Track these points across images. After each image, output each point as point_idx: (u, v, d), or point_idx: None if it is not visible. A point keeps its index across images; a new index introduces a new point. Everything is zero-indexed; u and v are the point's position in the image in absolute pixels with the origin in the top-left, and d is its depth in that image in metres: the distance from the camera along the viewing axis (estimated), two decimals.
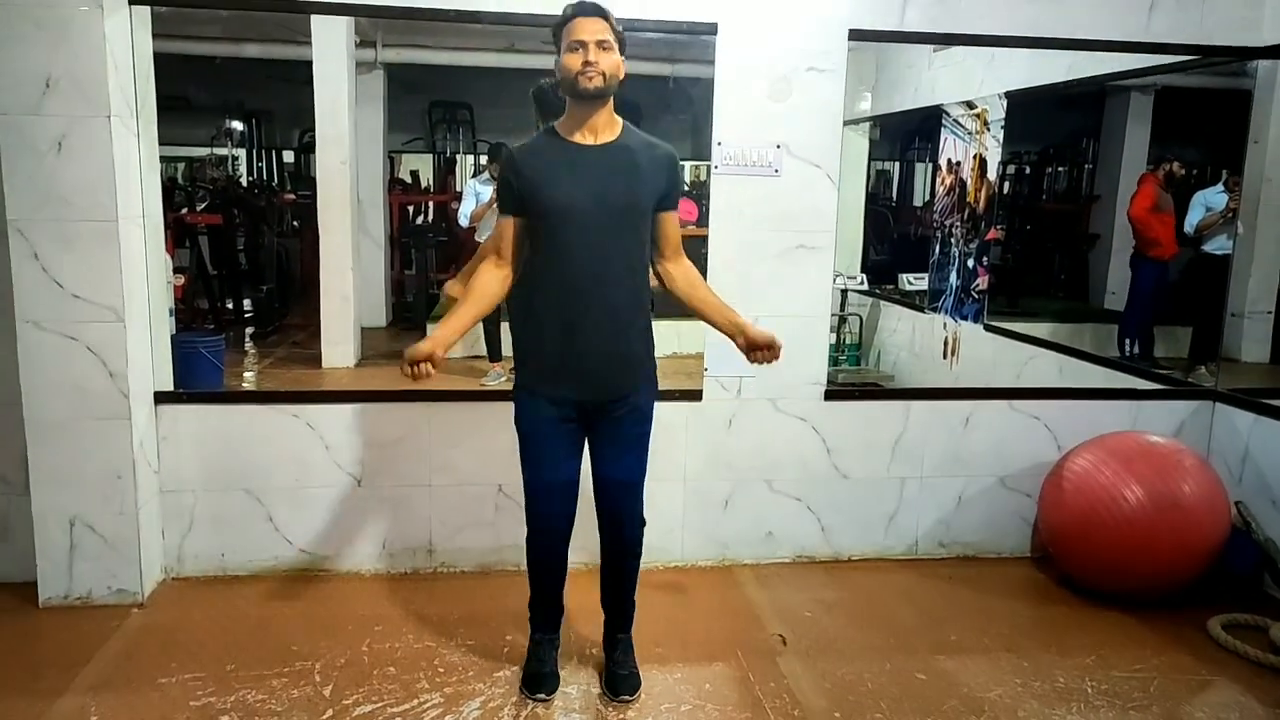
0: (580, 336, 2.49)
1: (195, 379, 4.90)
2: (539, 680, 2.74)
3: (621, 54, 2.47)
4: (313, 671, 2.84)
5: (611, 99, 2.48)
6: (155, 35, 3.26)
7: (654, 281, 2.65)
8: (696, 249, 3.52)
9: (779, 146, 3.44)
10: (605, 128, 2.49)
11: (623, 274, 2.48)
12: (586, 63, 2.40)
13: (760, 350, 2.54)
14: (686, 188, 8.55)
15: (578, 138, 2.48)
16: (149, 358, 3.30)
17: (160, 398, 3.35)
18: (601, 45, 2.41)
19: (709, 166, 3.49)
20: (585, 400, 2.54)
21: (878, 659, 3.01)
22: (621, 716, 2.66)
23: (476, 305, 2.54)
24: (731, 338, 2.60)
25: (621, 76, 2.47)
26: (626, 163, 2.48)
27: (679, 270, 2.64)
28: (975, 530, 3.83)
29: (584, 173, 2.45)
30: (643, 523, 2.70)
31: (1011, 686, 2.87)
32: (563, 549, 2.70)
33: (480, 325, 6.28)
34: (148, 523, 3.30)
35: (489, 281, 2.55)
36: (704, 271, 3.41)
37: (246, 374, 6.67)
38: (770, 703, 2.74)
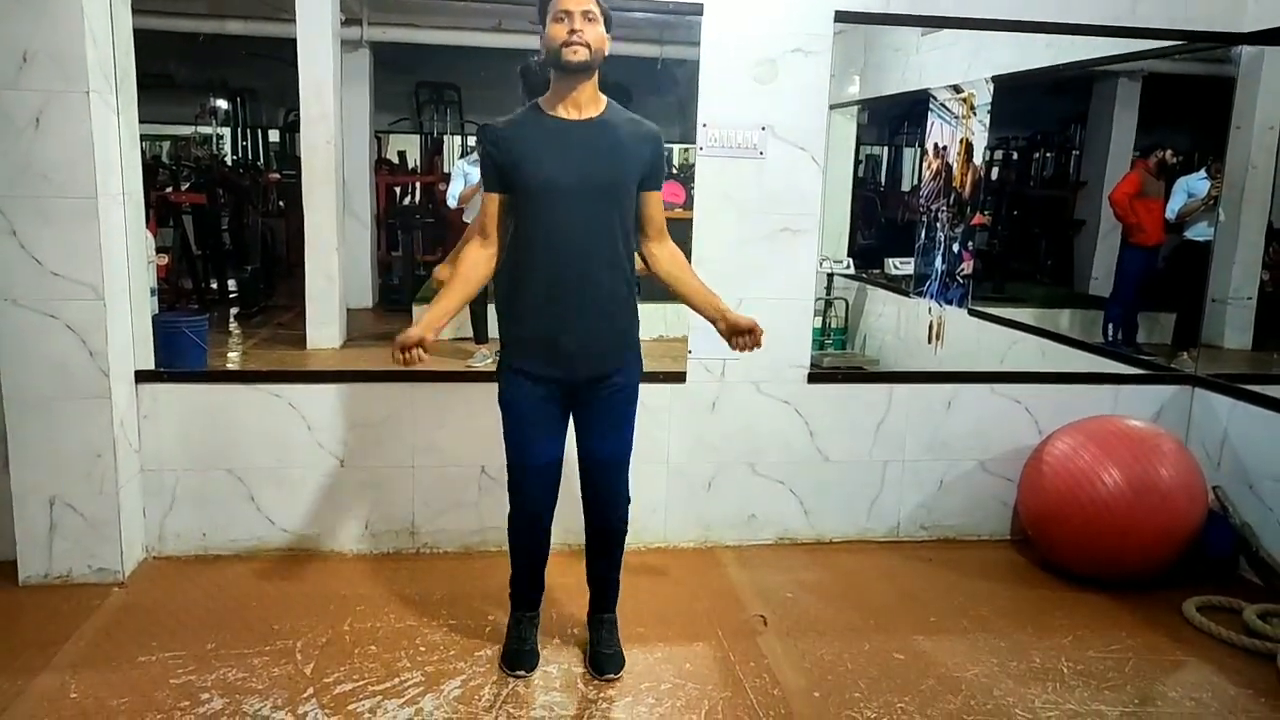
0: (565, 314, 2.48)
1: (178, 359, 4.87)
2: (519, 658, 2.76)
3: (608, 30, 2.45)
4: (294, 650, 2.84)
5: (596, 75, 2.47)
6: (137, 11, 3.23)
7: (638, 264, 2.64)
8: (683, 232, 3.52)
9: (764, 129, 3.44)
10: (589, 103, 2.47)
11: (607, 251, 2.48)
12: (572, 31, 2.38)
13: (741, 336, 2.54)
14: (674, 171, 8.53)
15: (561, 112, 2.47)
16: (130, 336, 3.28)
17: (141, 376, 3.34)
18: (587, 17, 2.39)
19: (695, 149, 3.48)
20: (570, 378, 2.54)
21: (857, 639, 3.04)
22: (602, 695, 2.68)
23: (464, 287, 2.53)
24: (713, 323, 2.60)
25: (606, 51, 2.45)
26: (610, 139, 2.46)
27: (663, 252, 2.63)
28: (956, 513, 3.86)
29: (567, 148, 2.44)
30: (628, 500, 2.71)
31: (988, 666, 2.90)
32: (545, 528, 2.71)
33: (467, 307, 6.26)
34: (128, 502, 3.29)
35: (475, 262, 2.54)
36: (689, 254, 3.39)
37: (230, 354, 6.64)
38: (750, 682, 2.77)
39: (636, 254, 2.63)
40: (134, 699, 2.58)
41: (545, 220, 2.45)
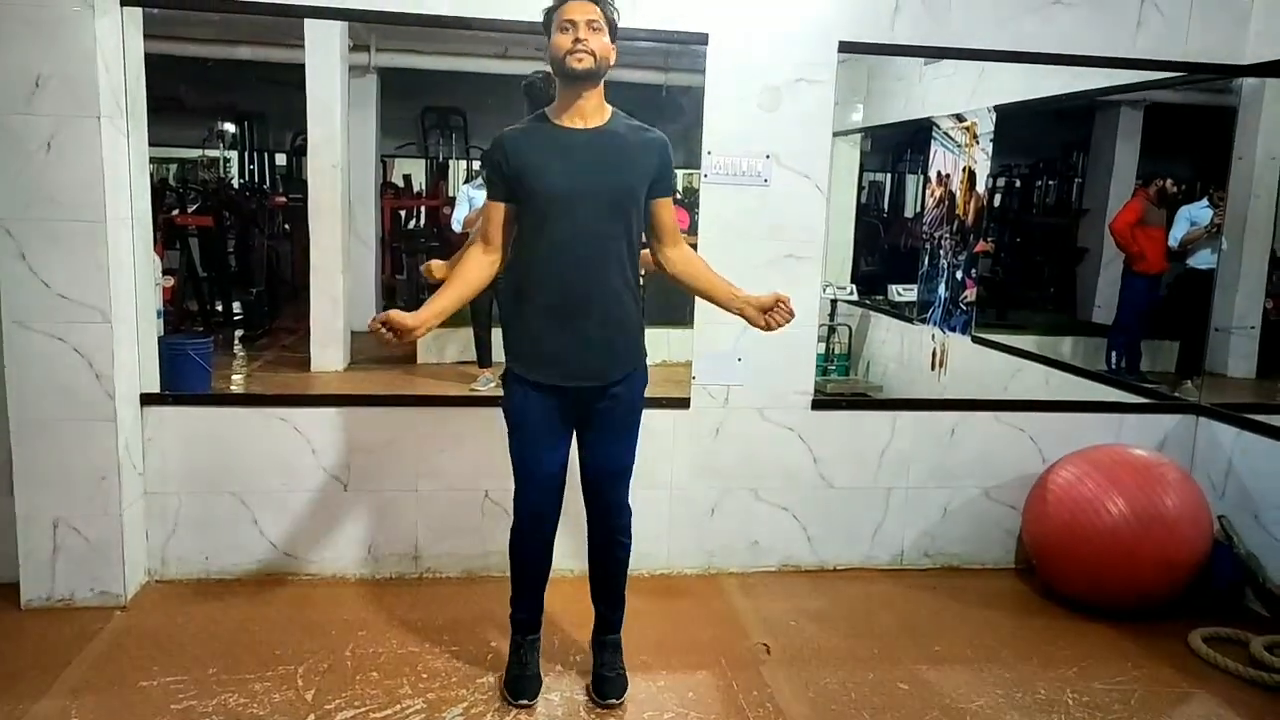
0: (570, 324, 2.49)
1: (183, 381, 4.89)
2: (521, 684, 2.74)
3: (613, 40, 2.47)
4: (295, 676, 2.83)
5: (602, 85, 2.49)
6: (147, 36, 3.26)
7: (649, 264, 2.66)
8: None
9: (768, 156, 3.46)
10: (595, 112, 2.49)
11: (613, 262, 2.48)
12: (577, 40, 2.40)
13: (772, 311, 2.55)
14: (679, 196, 8.56)
15: (567, 122, 2.48)
16: (136, 359, 3.30)
17: (146, 399, 3.35)
18: (591, 26, 2.41)
19: (701, 178, 3.51)
20: (575, 388, 2.54)
21: (861, 668, 3.02)
22: (598, 711, 2.67)
23: (462, 286, 2.54)
24: (740, 313, 2.61)
25: (612, 61, 2.47)
26: (617, 148, 2.48)
27: (678, 254, 2.64)
28: (960, 541, 3.85)
29: (574, 158, 2.45)
30: (629, 512, 2.70)
31: (993, 697, 2.88)
32: (547, 541, 2.70)
33: (471, 330, 6.29)
34: (131, 525, 3.29)
35: (475, 266, 2.55)
36: None
37: (234, 376, 6.65)
38: (753, 712, 2.75)
39: (651, 258, 2.65)
40: None
41: (551, 230, 2.45)
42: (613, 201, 2.46)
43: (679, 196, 8.74)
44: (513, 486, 2.65)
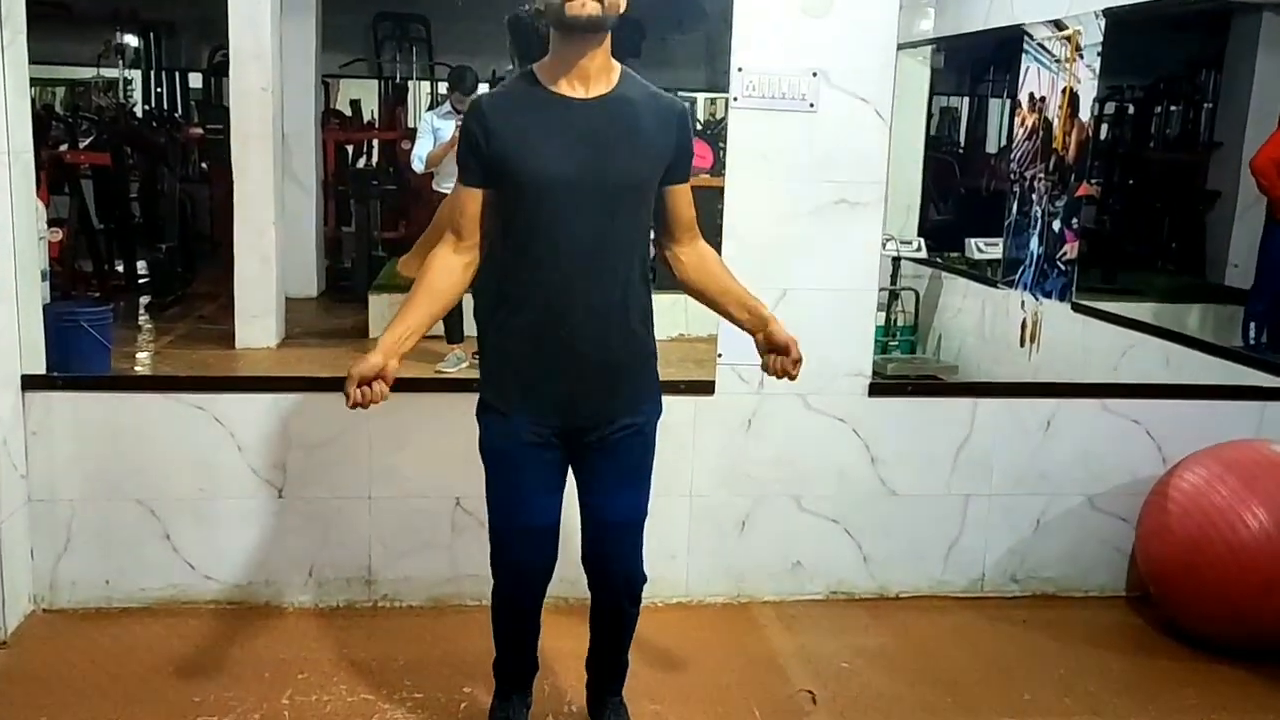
0: (564, 345, 2.45)
1: (75, 359, 4.91)
2: None
3: None
4: None
5: (609, 39, 2.41)
6: None
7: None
8: (711, 203, 3.53)
9: (815, 75, 3.43)
10: (599, 75, 2.41)
11: (619, 264, 2.45)
12: None
13: (779, 356, 2.53)
14: (700, 126, 8.54)
15: (564, 88, 2.41)
16: (14, 332, 3.30)
17: (29, 382, 3.35)
18: None
19: (727, 100, 3.48)
20: (570, 425, 2.53)
21: None
22: None
23: (431, 300, 2.47)
24: (751, 333, 2.59)
25: (623, 7, 2.38)
26: (625, 123, 2.43)
27: (691, 256, 2.60)
28: (1057, 562, 3.85)
29: (571, 135, 2.39)
30: (643, 578, 2.70)
31: None
32: (536, 606, 2.72)
33: None
34: (12, 540, 3.30)
35: (446, 271, 2.48)
36: (718, 232, 3.41)
37: (140, 354, 6.68)
38: None
39: (661, 257, 2.63)
40: None
41: (542, 227, 2.41)
42: (620, 192, 2.43)
43: (700, 126, 8.76)
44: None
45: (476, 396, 2.62)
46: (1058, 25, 5.74)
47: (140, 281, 8.36)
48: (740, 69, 3.42)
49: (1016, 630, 3.61)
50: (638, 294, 2.50)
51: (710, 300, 2.63)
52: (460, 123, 2.61)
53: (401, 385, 3.52)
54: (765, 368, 2.57)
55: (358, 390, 2.32)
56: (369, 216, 8.49)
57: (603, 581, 2.68)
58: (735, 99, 3.44)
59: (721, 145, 3.65)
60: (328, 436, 3.48)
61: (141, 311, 7.80)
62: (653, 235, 2.62)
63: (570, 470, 2.63)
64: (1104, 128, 7.71)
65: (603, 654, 2.82)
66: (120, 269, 8.41)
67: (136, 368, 6.30)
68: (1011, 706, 3.13)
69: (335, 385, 3.44)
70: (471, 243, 2.49)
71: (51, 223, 6.45)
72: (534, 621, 2.75)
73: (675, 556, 3.64)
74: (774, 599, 3.72)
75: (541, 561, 2.63)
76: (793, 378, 2.55)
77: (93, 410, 3.40)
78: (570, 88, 2.40)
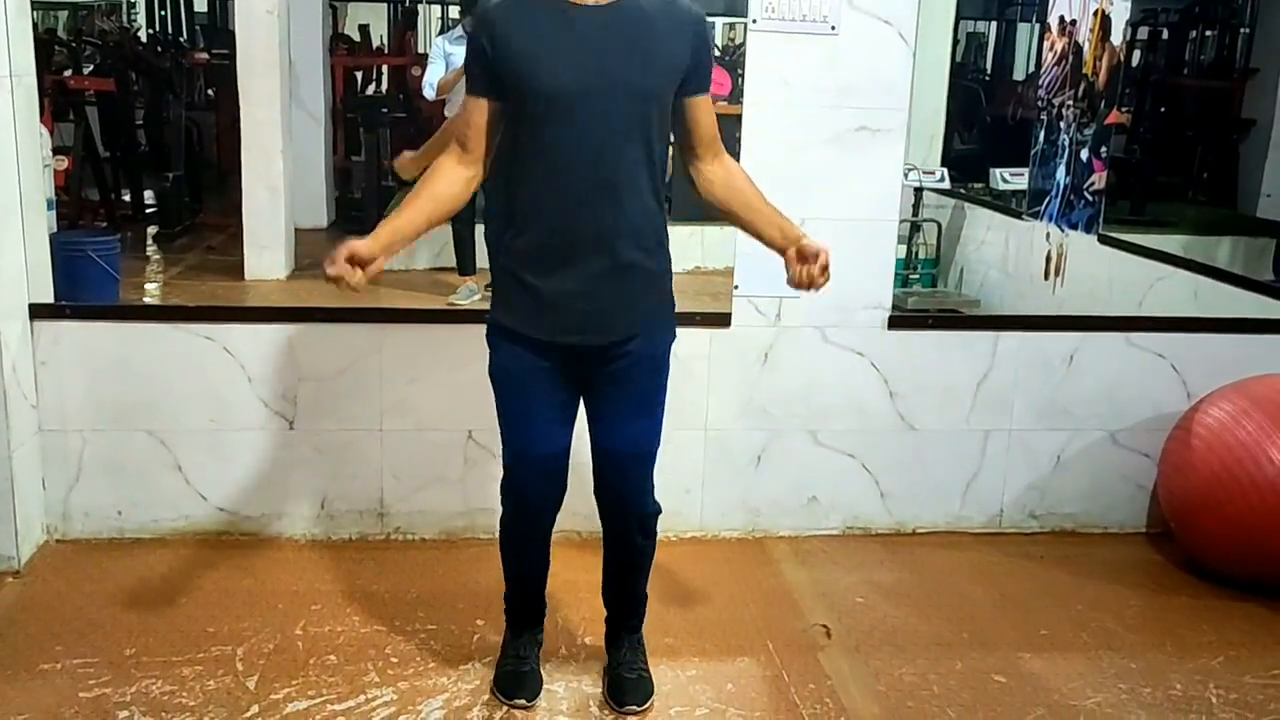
0: (574, 263, 2.44)
1: (83, 289, 4.91)
2: (518, 681, 2.78)
3: None
4: (234, 659, 2.89)
5: None
6: None
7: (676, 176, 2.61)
8: (730, 130, 3.49)
9: None
10: None
11: (632, 178, 2.43)
12: None
13: (809, 264, 2.46)
14: (717, 53, 8.43)
15: None
16: (21, 261, 3.31)
17: (37, 311, 3.37)
18: None
19: (745, 24, 3.44)
20: (580, 345, 2.51)
21: (947, 656, 3.05)
22: (614, 717, 2.73)
23: (431, 205, 2.47)
24: (781, 251, 2.53)
25: None
26: (638, 28, 2.39)
27: (718, 171, 2.57)
28: (1077, 498, 3.86)
29: (582, 42, 2.36)
30: (656, 509, 2.70)
31: (1114, 692, 2.91)
32: (545, 536, 2.73)
33: (449, 227, 6.28)
34: (24, 470, 3.34)
35: (448, 180, 2.48)
36: (736, 160, 3.37)
37: (149, 285, 6.69)
38: (809, 709, 2.79)
39: (687, 175, 2.60)
40: (35, 716, 2.64)
41: (550, 138, 2.39)
42: (632, 103, 2.39)
43: (718, 53, 8.64)
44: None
45: (487, 353, 2.61)
46: None
47: (147, 211, 8.34)
48: None
49: (1034, 566, 3.63)
50: (650, 212, 2.48)
51: (739, 219, 2.60)
52: None
53: (414, 317, 3.59)
54: (791, 280, 2.49)
55: (344, 266, 2.30)
56: (379, 145, 8.43)
57: (613, 513, 2.70)
58: (754, 21, 3.40)
59: (740, 72, 3.61)
60: (339, 368, 3.50)
61: (149, 241, 7.79)
62: (676, 152, 2.60)
63: (581, 402, 2.63)
64: (1136, 53, 7.58)
65: (617, 587, 2.84)
66: (127, 198, 8.40)
67: (145, 298, 6.31)
68: (1027, 641, 3.16)
69: (347, 316, 3.50)
70: (476, 156, 2.49)
71: (56, 150, 6.43)
72: (542, 556, 2.77)
73: (690, 491, 3.66)
74: (789, 534, 3.75)
75: (548, 490, 2.64)
76: (818, 287, 2.48)
77: (102, 340, 3.43)
78: None
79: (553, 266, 2.45)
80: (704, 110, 2.53)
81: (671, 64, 2.43)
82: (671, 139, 2.56)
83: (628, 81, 2.37)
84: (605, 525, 2.74)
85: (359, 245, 2.32)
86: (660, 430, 2.67)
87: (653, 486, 2.69)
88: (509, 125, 2.45)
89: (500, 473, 2.70)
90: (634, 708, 2.75)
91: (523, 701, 2.76)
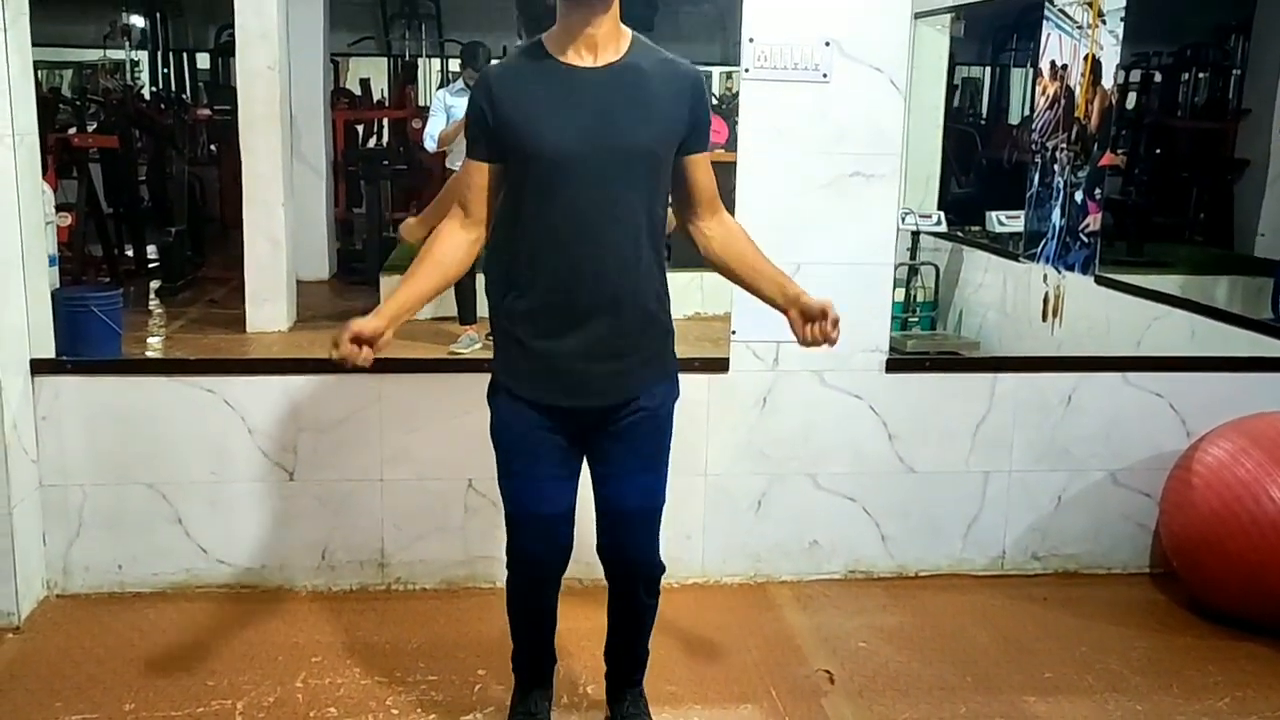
0: (577, 324, 2.44)
1: (86, 344, 4.94)
2: None
3: None
4: (233, 713, 2.88)
5: (616, 4, 2.39)
6: None
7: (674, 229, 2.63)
8: (726, 178, 3.52)
9: (828, 44, 3.42)
10: (608, 42, 2.40)
11: (633, 239, 2.43)
12: None
13: (816, 323, 2.47)
14: (715, 101, 8.52)
15: (572, 57, 2.39)
16: (23, 317, 3.33)
17: (39, 366, 3.38)
18: None
19: (740, 74, 3.48)
20: (583, 407, 2.51)
21: (950, 701, 3.04)
22: None
23: (437, 272, 2.48)
24: (784, 311, 2.54)
25: None
26: (637, 88, 2.41)
27: (717, 230, 2.58)
28: (1079, 539, 3.85)
29: (581, 104, 2.38)
30: (660, 568, 2.70)
31: None
32: (552, 591, 2.72)
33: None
34: (24, 526, 3.34)
35: (452, 246, 2.49)
36: (731, 206, 3.40)
37: (151, 339, 6.72)
38: None
39: (687, 234, 2.61)
40: None
41: (552, 201, 2.39)
42: (632, 163, 2.40)
43: (715, 101, 8.73)
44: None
45: (489, 377, 2.63)
46: None
47: (150, 265, 8.40)
48: (751, 39, 3.41)
49: (1037, 608, 3.61)
50: (651, 272, 2.48)
51: (739, 277, 2.60)
52: None
53: (414, 366, 3.59)
54: (802, 341, 2.50)
55: (350, 347, 2.33)
56: (379, 197, 8.50)
57: (619, 572, 2.68)
58: (747, 70, 3.44)
59: (736, 120, 3.64)
60: (339, 419, 3.50)
61: (152, 296, 7.84)
62: (675, 210, 2.61)
63: (585, 461, 2.62)
64: (1130, 96, 7.65)
65: (620, 645, 2.82)
66: (130, 253, 8.46)
67: (147, 352, 6.34)
68: (1032, 685, 3.14)
69: (347, 369, 3.50)
70: (478, 219, 2.49)
71: (60, 207, 6.49)
72: (550, 614, 2.75)
73: (691, 537, 3.65)
74: (791, 579, 3.73)
75: (555, 550, 2.62)
76: (833, 342, 2.48)
77: (102, 394, 3.44)
78: (578, 56, 2.39)
79: (554, 329, 2.45)
80: (703, 169, 2.54)
81: (670, 124, 2.43)
82: (670, 198, 2.57)
83: (627, 142, 2.38)
84: (611, 583, 2.72)
85: (364, 324, 2.34)
86: (665, 486, 2.66)
87: (659, 544, 2.67)
88: (509, 187, 2.46)
89: (501, 521, 2.70)
90: None
91: None
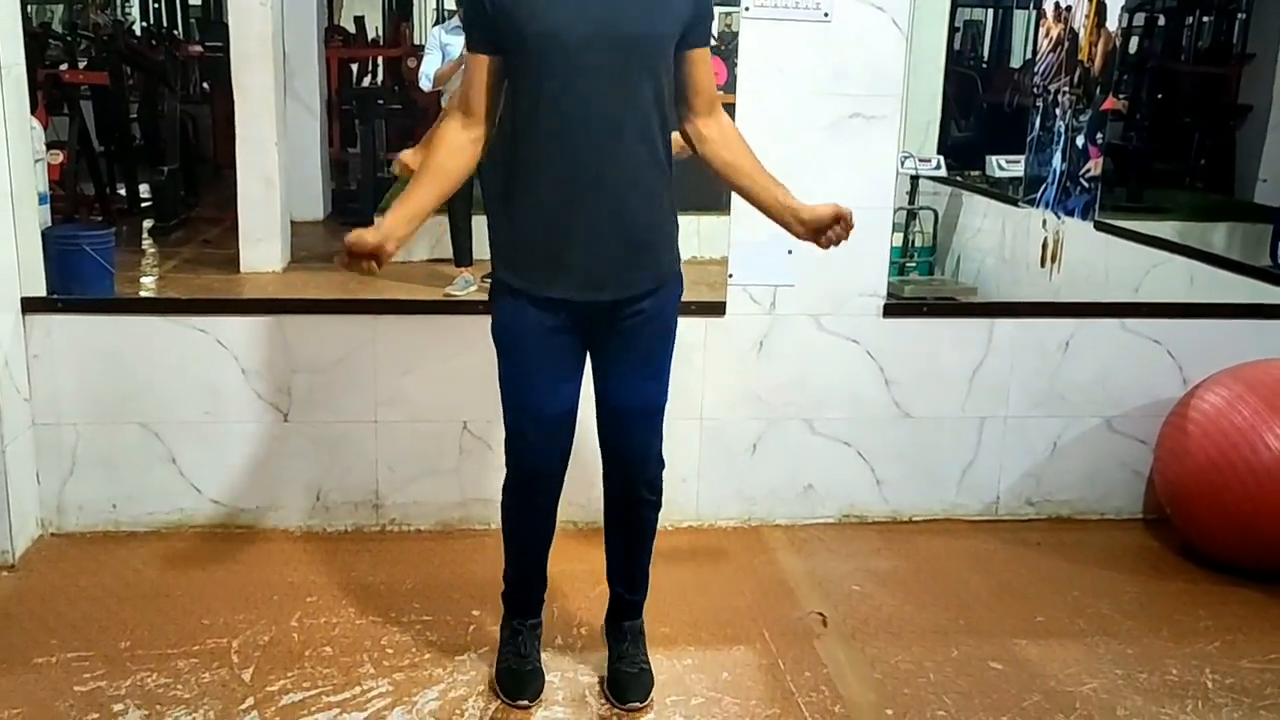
0: (579, 216, 2.42)
1: (78, 283, 4.92)
2: (519, 681, 2.74)
3: None
4: (229, 651, 2.89)
5: None
6: None
7: (678, 144, 2.59)
8: None
9: None
10: None
11: (636, 130, 2.41)
12: None
13: (829, 229, 2.50)
14: (713, 41, 8.41)
15: None
16: (13, 255, 3.30)
17: (30, 305, 3.36)
18: None
19: (740, 13, 3.43)
20: (587, 302, 2.49)
21: (943, 644, 3.05)
22: (615, 712, 2.72)
23: (439, 180, 2.47)
24: (785, 225, 2.56)
25: None
26: None
27: (714, 129, 2.56)
28: (1073, 485, 3.86)
29: None
30: (661, 463, 2.69)
31: (1111, 678, 2.91)
32: (551, 502, 2.70)
33: (446, 218, 6.27)
34: (18, 464, 3.34)
35: (454, 147, 2.47)
36: None
37: (144, 278, 6.69)
38: (805, 696, 2.79)
39: (679, 134, 2.58)
40: (30, 710, 2.64)
41: (553, 91, 2.36)
42: (636, 51, 2.37)
43: (714, 41, 8.63)
44: (501, 424, 2.64)
45: (485, 320, 2.60)
46: None
47: (143, 205, 8.34)
48: None
49: (1030, 553, 3.63)
50: (659, 160, 2.46)
51: (736, 183, 2.60)
52: None
53: (409, 308, 3.58)
54: (822, 245, 2.56)
55: (350, 261, 2.36)
56: (374, 137, 8.43)
57: (618, 465, 2.66)
58: (746, 8, 3.39)
59: (733, 60, 3.59)
60: (333, 360, 3.49)
61: (145, 235, 7.78)
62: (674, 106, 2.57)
63: (588, 356, 2.61)
64: (1132, 39, 7.58)
65: (622, 553, 2.79)
66: (122, 192, 8.39)
67: (139, 291, 6.31)
68: (1023, 628, 3.16)
69: (342, 308, 3.51)
70: (480, 115, 2.47)
71: (51, 145, 6.42)
72: (547, 525, 2.72)
73: (686, 480, 3.66)
74: (785, 522, 3.74)
75: (554, 450, 2.61)
76: (850, 231, 2.55)
77: (94, 333, 3.42)
78: None
79: (557, 223, 2.43)
80: (703, 64, 2.52)
81: (674, 10, 2.41)
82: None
83: (630, 27, 2.35)
84: (610, 484, 2.71)
85: (366, 238, 2.35)
86: (668, 387, 2.65)
87: (661, 441, 2.67)
88: (511, 80, 2.44)
89: (496, 463, 2.69)
90: (636, 703, 2.73)
91: (525, 702, 2.73)
